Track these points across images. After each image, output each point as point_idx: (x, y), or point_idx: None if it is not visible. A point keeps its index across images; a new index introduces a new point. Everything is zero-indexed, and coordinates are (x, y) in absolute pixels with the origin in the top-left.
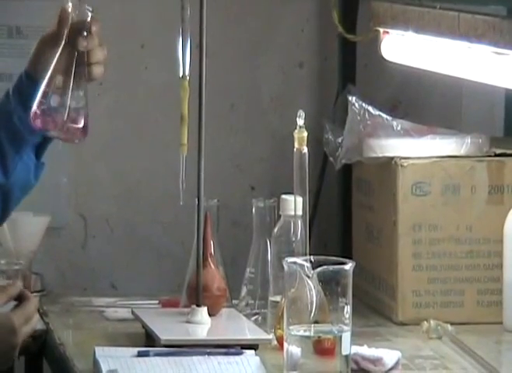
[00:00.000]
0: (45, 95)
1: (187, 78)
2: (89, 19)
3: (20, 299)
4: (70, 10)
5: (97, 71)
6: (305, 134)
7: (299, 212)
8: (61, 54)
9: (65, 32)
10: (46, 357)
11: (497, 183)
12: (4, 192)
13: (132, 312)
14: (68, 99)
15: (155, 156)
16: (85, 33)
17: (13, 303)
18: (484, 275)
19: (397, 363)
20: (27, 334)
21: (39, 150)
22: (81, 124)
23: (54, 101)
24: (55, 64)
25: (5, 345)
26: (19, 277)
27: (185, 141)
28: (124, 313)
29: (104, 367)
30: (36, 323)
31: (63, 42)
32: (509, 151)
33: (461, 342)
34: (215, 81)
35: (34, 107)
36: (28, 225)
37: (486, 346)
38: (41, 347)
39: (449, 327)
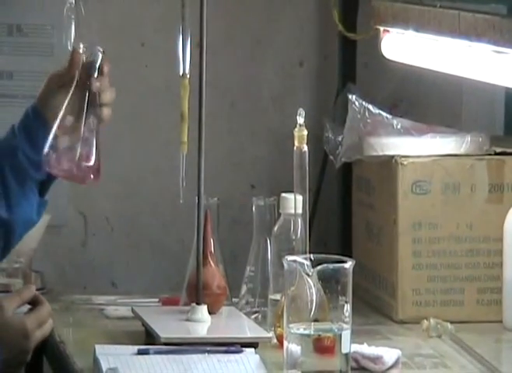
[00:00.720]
0: (56, 137)
1: (188, 76)
2: (99, 59)
3: (34, 303)
4: (81, 51)
5: (107, 112)
6: (305, 132)
7: (299, 210)
8: (71, 95)
9: (77, 73)
10: (46, 354)
11: (497, 181)
12: (6, 227)
13: (132, 310)
14: (80, 140)
15: (155, 154)
16: (96, 74)
17: (27, 307)
18: (484, 273)
19: (397, 361)
20: (40, 339)
21: (43, 187)
22: (91, 163)
23: (65, 143)
24: (66, 106)
25: (17, 349)
26: (19, 275)
27: (185, 139)
28: (124, 311)
29: (104, 365)
30: (50, 328)
31: (74, 83)
32: (509, 150)
33: (461, 340)
34: (215, 79)
35: (46, 150)
36: None
37: (486, 344)
38: (41, 345)
39: (449, 326)
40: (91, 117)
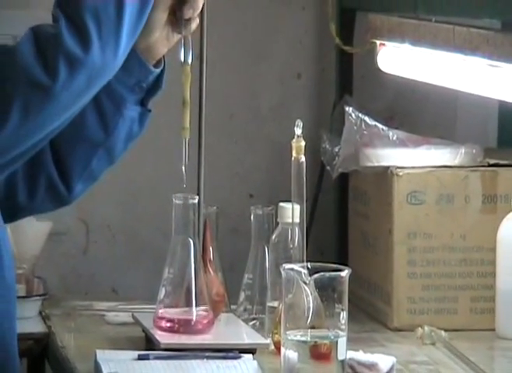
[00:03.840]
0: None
1: (189, 63)
2: None
3: None
4: None
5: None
6: (303, 143)
7: (297, 220)
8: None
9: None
10: (48, 359)
11: (490, 192)
12: (107, 148)
13: (133, 316)
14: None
15: (157, 162)
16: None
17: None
18: (477, 283)
19: (391, 368)
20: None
21: (145, 97)
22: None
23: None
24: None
25: None
26: (22, 280)
27: (187, 124)
28: (124, 317)
29: (105, 370)
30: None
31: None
32: (502, 162)
33: (455, 348)
34: (214, 90)
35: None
36: (31, 230)
37: (479, 352)
38: (43, 350)
39: (443, 333)
40: None
